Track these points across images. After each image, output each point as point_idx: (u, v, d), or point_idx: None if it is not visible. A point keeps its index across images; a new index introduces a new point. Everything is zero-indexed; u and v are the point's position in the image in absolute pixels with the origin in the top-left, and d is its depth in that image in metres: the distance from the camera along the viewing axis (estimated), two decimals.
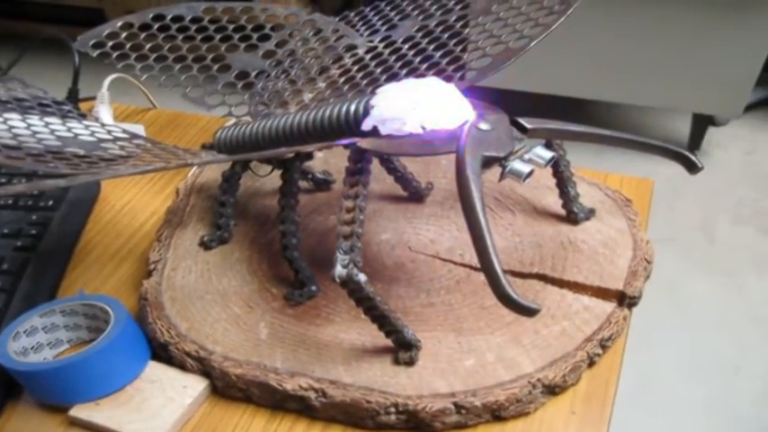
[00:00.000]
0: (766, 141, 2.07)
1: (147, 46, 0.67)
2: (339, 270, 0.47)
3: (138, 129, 0.79)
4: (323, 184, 0.69)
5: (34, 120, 0.54)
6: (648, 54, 1.78)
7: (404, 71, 0.57)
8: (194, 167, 0.73)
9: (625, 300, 0.56)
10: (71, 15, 2.46)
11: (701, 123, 1.97)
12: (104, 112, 0.80)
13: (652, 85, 1.84)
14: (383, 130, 0.45)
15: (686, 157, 0.55)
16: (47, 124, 0.54)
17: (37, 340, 0.55)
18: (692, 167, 0.56)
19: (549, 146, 0.54)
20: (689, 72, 1.79)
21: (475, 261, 0.60)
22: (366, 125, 0.46)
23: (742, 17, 1.67)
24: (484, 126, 0.47)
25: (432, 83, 0.46)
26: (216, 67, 0.66)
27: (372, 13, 0.66)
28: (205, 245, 0.63)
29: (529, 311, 0.41)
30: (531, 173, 0.47)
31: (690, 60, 1.77)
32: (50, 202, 0.69)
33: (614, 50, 1.80)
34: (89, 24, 0.70)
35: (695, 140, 2.00)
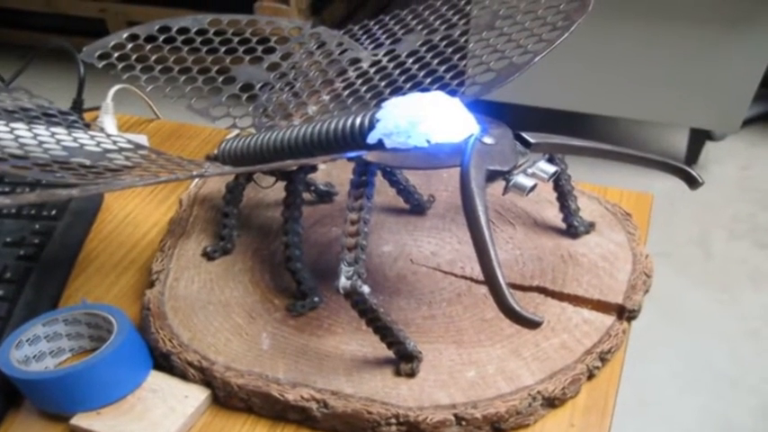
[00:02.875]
0: (763, 156, 2.07)
1: (153, 57, 0.67)
2: (343, 281, 0.47)
3: (142, 139, 0.79)
4: (325, 196, 0.69)
5: (40, 129, 0.55)
6: (647, 69, 1.79)
7: (408, 85, 0.57)
8: (197, 178, 0.73)
9: (624, 313, 0.57)
10: (73, 25, 2.47)
11: (699, 138, 1.98)
12: (109, 123, 0.80)
13: (650, 99, 1.84)
14: (388, 144, 0.45)
15: (687, 172, 0.56)
16: (53, 134, 0.54)
17: (39, 349, 0.55)
18: (693, 182, 0.56)
19: (551, 160, 0.55)
20: (687, 87, 1.79)
21: (475, 274, 0.60)
22: (371, 138, 0.46)
23: (740, 33, 1.68)
24: (488, 140, 0.47)
25: (436, 97, 0.47)
26: (221, 78, 0.66)
27: (376, 27, 0.67)
28: (208, 255, 0.63)
29: (532, 324, 0.41)
30: (534, 187, 0.48)
31: (688, 75, 1.78)
32: (53, 212, 0.69)
33: (613, 65, 1.81)
34: (90, 34, 0.70)
35: (692, 155, 2.01)
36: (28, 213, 0.69)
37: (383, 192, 0.68)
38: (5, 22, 2.65)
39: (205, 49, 0.69)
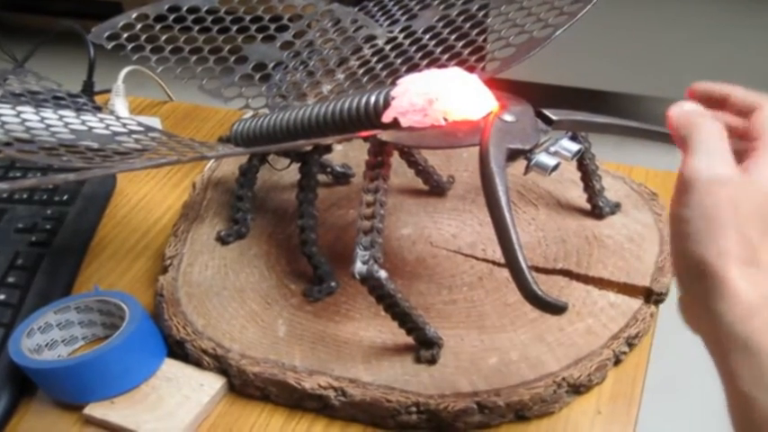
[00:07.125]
0: None
1: (163, 38, 0.66)
2: (359, 266, 0.46)
3: (155, 122, 0.78)
4: (342, 178, 0.68)
5: (48, 113, 0.54)
6: (673, 46, 1.77)
7: (424, 62, 0.56)
8: (211, 161, 0.72)
9: (652, 296, 0.55)
10: (88, 9, 2.46)
11: None
12: (120, 105, 0.80)
13: (676, 77, 1.82)
14: (404, 122, 0.44)
15: None
16: (61, 117, 0.53)
17: (51, 337, 0.54)
18: None
19: (574, 138, 0.53)
20: (714, 64, 1.77)
21: (497, 256, 0.59)
22: (387, 117, 0.45)
23: (766, 11, 1.66)
24: (508, 117, 0.46)
25: (454, 73, 0.45)
26: (233, 58, 0.65)
27: (392, 2, 0.65)
28: (222, 240, 0.62)
29: (556, 309, 0.40)
30: (557, 166, 0.46)
31: (716, 53, 1.76)
32: (65, 197, 0.69)
33: (638, 42, 1.79)
34: (106, 18, 0.69)
35: None
36: (40, 199, 0.69)
37: (401, 173, 0.67)
38: (21, 7, 2.66)
39: (216, 28, 0.67)
